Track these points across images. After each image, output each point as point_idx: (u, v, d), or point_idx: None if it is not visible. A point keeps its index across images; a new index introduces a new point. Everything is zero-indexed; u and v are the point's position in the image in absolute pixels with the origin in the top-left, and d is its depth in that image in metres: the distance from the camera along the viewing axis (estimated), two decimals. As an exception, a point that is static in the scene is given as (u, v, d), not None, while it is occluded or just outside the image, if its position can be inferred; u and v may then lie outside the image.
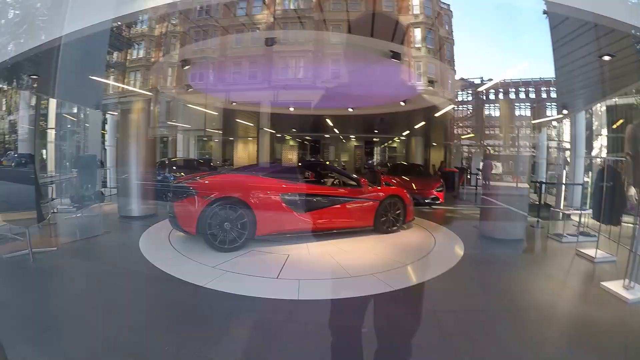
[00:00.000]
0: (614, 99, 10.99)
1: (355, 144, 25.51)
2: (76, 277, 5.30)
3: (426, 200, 11.14)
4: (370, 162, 24.45)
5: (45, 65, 8.11)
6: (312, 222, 6.88)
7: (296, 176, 7.50)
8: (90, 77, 9.18)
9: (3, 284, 4.88)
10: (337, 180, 8.37)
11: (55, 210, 7.25)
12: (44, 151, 13.58)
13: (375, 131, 22.39)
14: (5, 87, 12.77)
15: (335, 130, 21.80)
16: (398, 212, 7.94)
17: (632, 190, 5.66)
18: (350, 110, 14.72)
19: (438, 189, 11.54)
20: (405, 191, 8.47)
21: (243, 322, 3.93)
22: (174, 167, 11.90)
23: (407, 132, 20.32)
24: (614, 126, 11.34)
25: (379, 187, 8.43)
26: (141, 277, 5.19)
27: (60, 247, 6.24)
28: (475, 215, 9.22)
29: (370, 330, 3.66)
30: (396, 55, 9.45)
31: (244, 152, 22.77)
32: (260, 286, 4.75)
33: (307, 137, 24.78)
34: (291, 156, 23.44)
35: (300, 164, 9.87)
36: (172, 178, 10.88)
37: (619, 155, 8.27)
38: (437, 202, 11.39)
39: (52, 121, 13.44)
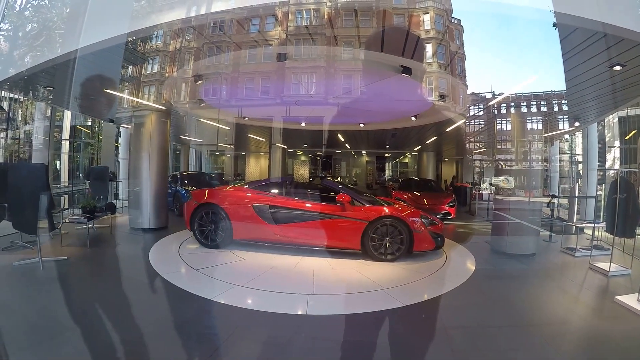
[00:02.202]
0: (625, 110, 10.89)
1: (367, 159, 25.55)
2: (85, 287, 5.31)
3: (438, 216, 11.08)
4: (382, 177, 24.44)
5: (61, 77, 8.25)
6: (282, 235, 7.17)
7: (281, 189, 8.00)
8: (104, 90, 9.30)
9: (12, 291, 4.91)
10: (318, 195, 7.67)
11: (67, 220, 7.29)
12: (57, 162, 13.78)
13: (387, 146, 22.40)
14: (21, 97, 12.98)
15: (347, 145, 21.84)
16: (401, 237, 6.77)
17: (646, 202, 5.58)
18: (361, 125, 14.75)
19: (450, 204, 11.49)
20: (410, 212, 7.17)
21: (250, 337, 3.89)
22: (186, 181, 11.97)
23: (419, 147, 20.30)
24: (627, 137, 11.23)
25: (369, 206, 7.19)
26: (150, 289, 5.22)
27: (71, 256, 6.27)
28: (487, 231, 9.13)
29: (381, 347, 3.63)
30: (407, 70, 9.44)
31: (255, 167, 22.91)
32: (267, 300, 4.75)
33: (319, 153, 24.85)
34: (303, 171, 23.54)
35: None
36: (183, 192, 10.96)
37: (632, 166, 8.18)
38: (449, 217, 11.32)
39: (66, 132, 13.66)
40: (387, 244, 6.79)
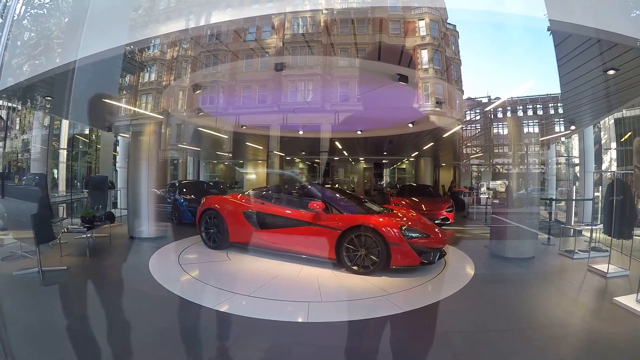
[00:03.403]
0: (621, 113, 10.97)
1: (365, 166, 25.55)
2: (85, 297, 5.32)
3: (436, 221, 11.10)
4: (380, 183, 24.44)
5: (60, 87, 8.28)
6: (266, 240, 7.32)
7: (273, 196, 8.22)
8: (103, 99, 9.33)
9: (12, 301, 4.91)
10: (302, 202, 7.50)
11: (66, 230, 7.30)
12: (55, 171, 13.77)
13: (384, 153, 22.41)
14: (19, 107, 13.00)
15: (345, 152, 21.86)
16: (378, 249, 6.18)
17: (643, 203, 5.63)
18: (359, 132, 14.79)
19: (448, 210, 11.50)
20: (389, 222, 6.53)
21: (252, 345, 3.89)
22: (184, 190, 11.97)
23: (416, 153, 20.33)
24: (622, 139, 11.30)
25: (344, 214, 6.83)
26: (150, 298, 5.19)
27: (70, 266, 6.26)
28: (485, 235, 9.16)
29: (383, 352, 3.65)
30: (404, 78, 9.51)
31: (253, 175, 22.87)
32: (268, 308, 4.74)
33: (317, 160, 24.86)
34: (302, 178, 23.53)
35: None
36: (182, 200, 10.96)
37: (628, 168, 8.23)
38: (447, 222, 11.34)
39: (64, 142, 13.67)
40: (362, 256, 6.27)
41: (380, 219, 6.68)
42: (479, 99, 17.31)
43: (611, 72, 6.66)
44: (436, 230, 7.05)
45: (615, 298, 4.85)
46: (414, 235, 6.34)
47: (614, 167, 11.63)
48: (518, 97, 17.58)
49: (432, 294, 5.38)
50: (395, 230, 6.24)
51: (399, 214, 7.43)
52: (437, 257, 6.53)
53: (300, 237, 6.98)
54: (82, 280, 5.93)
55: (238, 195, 8.45)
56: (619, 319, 4.38)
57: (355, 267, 6.25)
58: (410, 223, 6.74)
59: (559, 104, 14.95)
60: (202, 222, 8.11)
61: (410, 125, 12.72)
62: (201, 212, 8.22)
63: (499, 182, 13.01)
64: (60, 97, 9.16)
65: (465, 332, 4.15)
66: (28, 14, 9.00)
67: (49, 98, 9.64)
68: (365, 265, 6.22)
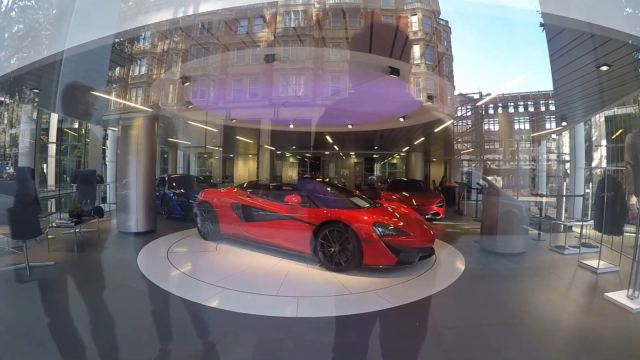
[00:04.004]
0: (612, 109, 11.03)
1: (355, 160, 25.58)
2: (73, 292, 5.27)
3: (427, 216, 11.11)
4: (370, 178, 24.47)
5: (47, 79, 8.15)
6: (249, 232, 7.47)
7: (261, 189, 8.33)
8: (91, 92, 9.20)
9: (-1, 297, 4.85)
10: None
11: (54, 225, 7.20)
12: (44, 165, 13.62)
13: (375, 147, 22.43)
14: (7, 100, 12.82)
15: (335, 147, 21.84)
16: (348, 245, 5.96)
17: (633, 199, 5.63)
18: (349, 127, 14.76)
19: (438, 204, 11.52)
20: (362, 217, 6.25)
21: (240, 340, 3.87)
22: (174, 184, 11.87)
23: (407, 147, 20.37)
24: (614, 136, 11.38)
25: (318, 208, 6.66)
26: (138, 293, 5.15)
27: (58, 261, 6.18)
28: (476, 230, 9.17)
29: (372, 348, 3.62)
30: (395, 71, 9.46)
31: (244, 169, 22.81)
32: (258, 303, 4.69)
33: (307, 154, 24.85)
34: (291, 173, 23.52)
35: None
36: (171, 195, 10.89)
37: (619, 165, 8.27)
38: (437, 217, 11.36)
39: (53, 135, 13.52)
40: (336, 252, 6.07)
41: (354, 214, 6.38)
42: (470, 95, 17.34)
43: (604, 68, 6.65)
44: (424, 227, 6.80)
45: (606, 294, 4.86)
46: (389, 232, 5.97)
47: (604, 164, 11.71)
48: (510, 94, 17.66)
49: (423, 289, 5.34)
50: (367, 226, 5.95)
51: (389, 209, 7.16)
52: (417, 258, 6.11)
53: (278, 230, 6.96)
54: (69, 275, 5.85)
55: (234, 189, 8.50)
56: (609, 315, 4.40)
57: (328, 263, 6.11)
58: (387, 219, 6.35)
59: (550, 101, 15.02)
60: (197, 214, 8.42)
61: (401, 119, 12.71)
62: (197, 204, 8.55)
63: (490, 178, 13.06)
64: (48, 90, 9.02)
65: (455, 328, 4.14)
66: (16, 5, 8.86)
67: (36, 90, 9.49)
68: (337, 262, 6.03)
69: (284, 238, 6.88)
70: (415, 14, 12.92)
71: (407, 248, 5.99)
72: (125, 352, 3.49)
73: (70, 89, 8.42)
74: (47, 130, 13.44)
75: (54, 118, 13.33)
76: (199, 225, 8.39)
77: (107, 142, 14.20)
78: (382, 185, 17.26)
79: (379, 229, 5.92)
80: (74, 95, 9.14)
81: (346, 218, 6.12)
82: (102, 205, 10.33)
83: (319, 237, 6.24)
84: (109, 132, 13.90)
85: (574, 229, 8.66)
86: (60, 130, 13.83)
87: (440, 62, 13.53)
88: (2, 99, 12.82)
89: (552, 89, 8.90)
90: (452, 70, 13.84)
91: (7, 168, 13.69)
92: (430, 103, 12.94)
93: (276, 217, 7.05)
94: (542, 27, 6.43)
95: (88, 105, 10.41)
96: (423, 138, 16.85)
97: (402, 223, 6.41)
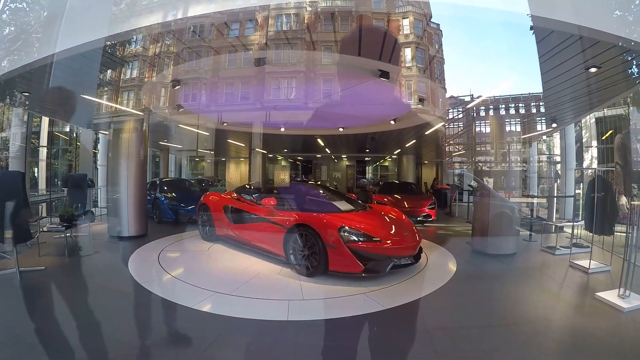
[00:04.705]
0: (602, 111, 11.13)
1: (347, 163, 25.63)
2: (63, 297, 5.20)
3: (418, 218, 11.13)
4: (363, 180, 24.51)
5: (38, 82, 8.10)
6: (236, 234, 7.62)
7: (252, 192, 8.54)
8: (82, 95, 9.15)
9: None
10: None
11: (44, 229, 7.14)
12: (35, 169, 13.51)
13: (367, 150, 22.50)
14: (-2, 103, 12.72)
15: (327, 150, 21.88)
16: (316, 250, 5.76)
17: (623, 199, 5.69)
18: (341, 129, 14.80)
19: (430, 207, 11.54)
20: (327, 221, 5.94)
21: (232, 345, 3.83)
22: (165, 188, 11.82)
23: (399, 150, 20.44)
24: (604, 137, 11.47)
25: (291, 211, 6.64)
26: (129, 298, 5.09)
27: (48, 266, 6.12)
28: (467, 232, 9.19)
29: (363, 350, 3.62)
30: (384, 74, 9.50)
31: (236, 173, 22.77)
32: (248, 307, 4.66)
33: (299, 157, 24.87)
34: (283, 176, 23.51)
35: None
36: (162, 199, 10.84)
37: (609, 165, 8.34)
38: (429, 219, 11.38)
39: (44, 139, 13.42)
40: (305, 256, 5.91)
41: (322, 218, 6.13)
42: (461, 97, 17.45)
43: (593, 69, 6.71)
44: (406, 233, 6.30)
45: (597, 293, 4.89)
46: (355, 238, 5.63)
47: (595, 165, 11.80)
48: (500, 96, 17.79)
49: (414, 291, 5.33)
50: (332, 231, 5.67)
51: (375, 213, 7.02)
52: (388, 267, 5.62)
53: (258, 232, 6.98)
54: (59, 280, 5.78)
55: (233, 193, 8.56)
56: (601, 314, 4.42)
57: (298, 267, 6.00)
58: (357, 224, 5.96)
59: (540, 103, 15.13)
60: (198, 215, 8.78)
61: (392, 122, 12.76)
62: (198, 207, 8.88)
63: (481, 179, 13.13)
64: (38, 93, 8.96)
65: (447, 329, 4.14)
66: (7, 8, 8.79)
67: (26, 94, 9.43)
68: (307, 267, 5.86)
69: (261, 240, 6.89)
70: (407, 17, 13.00)
71: (377, 256, 5.61)
72: (114, 357, 3.46)
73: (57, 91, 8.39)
74: (38, 133, 13.35)
75: (45, 122, 13.24)
76: (199, 227, 8.66)
77: (99, 146, 14.15)
78: (374, 187, 17.29)
79: (345, 234, 5.64)
80: (61, 98, 9.09)
81: (313, 222, 5.99)
82: (93, 209, 10.26)
83: (290, 241, 6.16)
84: (100, 135, 13.84)
85: (565, 229, 8.70)
86: (51, 134, 13.74)
87: (432, 65, 13.62)
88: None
89: (542, 91, 8.96)
90: (443, 73, 13.94)
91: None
92: (421, 105, 13.00)
93: (256, 219, 7.13)
94: (532, 30, 6.49)
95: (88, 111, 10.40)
96: (414, 140, 16.93)
97: (377, 229, 6.10)
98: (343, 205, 7.15)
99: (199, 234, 8.63)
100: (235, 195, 8.26)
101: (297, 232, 6.07)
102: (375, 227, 6.11)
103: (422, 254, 6.41)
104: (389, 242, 5.88)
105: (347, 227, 5.72)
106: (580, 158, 12.22)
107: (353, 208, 7.11)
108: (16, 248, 5.59)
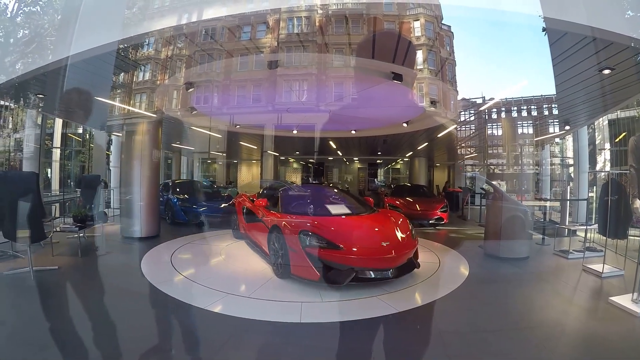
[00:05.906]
0: (615, 113, 11.01)
1: (359, 165, 25.60)
2: (76, 296, 5.25)
3: (430, 221, 11.10)
4: (375, 183, 24.47)
5: (52, 84, 8.19)
6: (247, 233, 8.17)
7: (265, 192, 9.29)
8: (96, 97, 9.25)
9: (1, 300, 4.85)
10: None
11: (58, 229, 7.22)
12: (48, 170, 13.68)
13: (379, 152, 22.45)
14: (12, 105, 12.89)
15: (339, 152, 21.88)
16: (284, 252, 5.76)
17: (637, 203, 5.63)
18: (353, 132, 14.79)
19: (442, 210, 11.50)
20: (294, 224, 5.88)
21: (245, 346, 3.83)
22: (177, 189, 11.91)
23: (411, 153, 20.38)
24: (617, 139, 11.35)
25: (277, 213, 6.72)
26: (142, 298, 5.14)
27: (62, 266, 6.19)
28: (480, 235, 9.13)
29: (376, 354, 3.61)
30: (398, 77, 9.48)
31: (247, 175, 22.84)
32: (262, 308, 4.68)
33: (311, 160, 24.88)
34: (295, 179, 23.56)
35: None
36: (175, 200, 10.91)
37: (623, 168, 8.24)
38: (441, 222, 11.34)
39: (57, 140, 13.59)
40: (279, 256, 5.88)
41: (289, 220, 6.08)
42: (473, 100, 17.36)
43: (606, 71, 6.64)
44: (384, 244, 5.59)
45: (611, 298, 4.83)
46: (315, 244, 5.34)
47: (608, 167, 11.68)
48: (512, 98, 17.67)
49: (427, 295, 5.32)
50: (293, 235, 5.56)
51: (388, 215, 6.91)
52: (348, 279, 5.12)
53: (257, 232, 7.30)
54: (72, 280, 5.84)
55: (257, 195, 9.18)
56: (615, 319, 4.36)
57: (274, 267, 6.06)
58: (318, 228, 5.64)
59: (553, 105, 15.01)
60: (231, 215, 9.54)
61: (405, 124, 12.72)
62: (230, 206, 10.04)
63: (494, 182, 13.03)
64: (53, 95, 9.07)
65: (460, 333, 4.12)
66: (22, 11, 8.93)
67: (41, 96, 9.55)
68: (277, 267, 5.91)
69: (259, 239, 7.13)
70: (418, 20, 12.96)
71: (340, 265, 5.24)
72: (127, 357, 3.49)
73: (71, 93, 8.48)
74: (51, 135, 13.52)
75: (59, 123, 13.39)
76: (232, 224, 9.29)
77: (111, 148, 14.28)
78: (385, 190, 17.24)
79: (303, 236, 5.46)
80: (75, 100, 9.20)
81: (279, 223, 6.12)
82: (106, 210, 10.35)
83: (271, 241, 6.27)
84: (113, 137, 13.97)
85: (578, 233, 8.61)
86: (64, 135, 13.90)
87: (443, 67, 13.56)
88: (7, 103, 12.89)
89: (555, 93, 8.88)
90: (455, 75, 13.87)
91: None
92: (433, 108, 12.95)
93: (256, 219, 7.53)
94: (544, 32, 6.44)
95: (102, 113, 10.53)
96: (426, 143, 16.86)
97: (345, 236, 5.65)
98: (341, 209, 6.95)
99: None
100: (252, 195, 9.02)
101: (274, 233, 6.20)
102: (344, 234, 5.68)
103: (414, 268, 5.88)
104: (354, 250, 5.41)
105: (308, 232, 5.52)
106: (593, 161, 12.11)
107: (349, 212, 6.84)
108: (30, 247, 5.67)
